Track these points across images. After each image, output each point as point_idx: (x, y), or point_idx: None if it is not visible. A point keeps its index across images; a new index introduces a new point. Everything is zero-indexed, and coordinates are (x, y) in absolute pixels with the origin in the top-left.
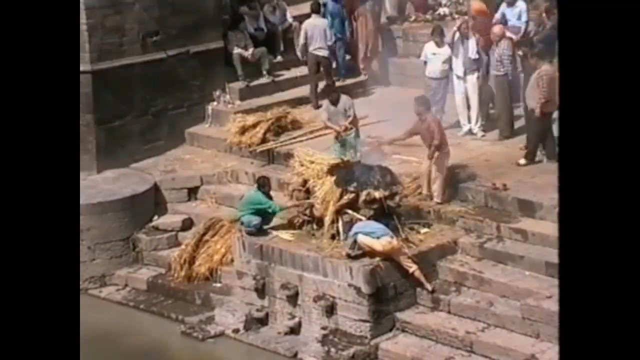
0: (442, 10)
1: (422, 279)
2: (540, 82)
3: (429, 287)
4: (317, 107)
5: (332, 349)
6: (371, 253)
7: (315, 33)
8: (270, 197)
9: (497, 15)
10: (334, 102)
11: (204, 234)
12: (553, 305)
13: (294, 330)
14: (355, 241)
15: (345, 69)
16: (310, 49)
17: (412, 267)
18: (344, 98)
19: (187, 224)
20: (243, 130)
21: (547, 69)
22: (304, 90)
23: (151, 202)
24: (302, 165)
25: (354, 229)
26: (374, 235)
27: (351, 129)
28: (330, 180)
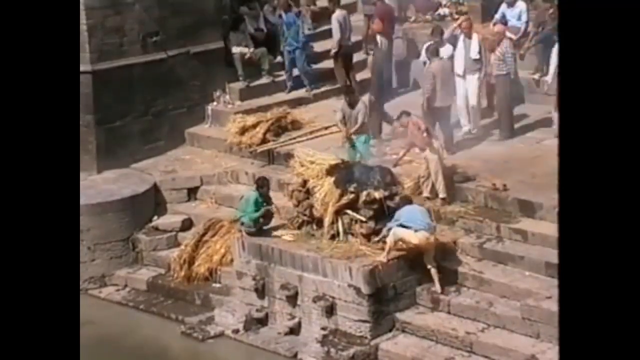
0: (442, 11)
1: (436, 278)
2: (425, 78)
3: (439, 288)
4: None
5: (332, 350)
6: (401, 243)
7: (348, 26)
8: (269, 198)
9: (497, 16)
10: (351, 105)
11: (203, 235)
12: (553, 306)
13: (294, 331)
14: (389, 229)
15: (310, 80)
16: (343, 42)
17: (432, 265)
18: (360, 104)
19: (187, 225)
20: (243, 131)
21: (434, 66)
22: (303, 91)
23: (151, 202)
24: (302, 165)
25: (394, 221)
26: (413, 229)
27: (352, 134)
28: (330, 180)
